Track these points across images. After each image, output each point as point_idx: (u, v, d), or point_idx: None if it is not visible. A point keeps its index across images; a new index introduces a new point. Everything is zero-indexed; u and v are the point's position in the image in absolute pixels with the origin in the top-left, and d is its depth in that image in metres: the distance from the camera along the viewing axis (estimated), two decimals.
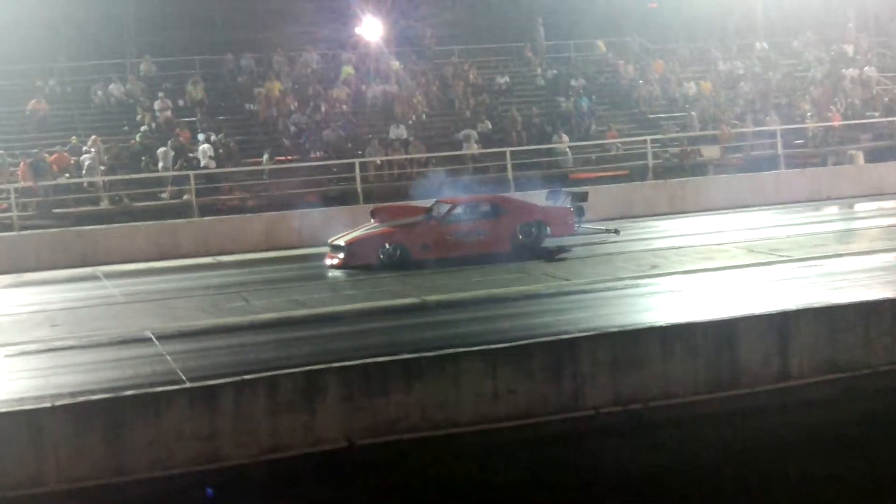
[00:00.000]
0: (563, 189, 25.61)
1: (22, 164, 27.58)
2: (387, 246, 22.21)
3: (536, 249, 22.85)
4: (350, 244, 22.27)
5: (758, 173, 31.83)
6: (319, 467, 11.71)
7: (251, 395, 11.96)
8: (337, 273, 21.94)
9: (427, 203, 24.15)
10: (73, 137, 29.31)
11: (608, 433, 12.56)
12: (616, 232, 24.29)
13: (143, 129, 30.38)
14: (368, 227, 22.98)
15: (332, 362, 12.68)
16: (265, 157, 29.77)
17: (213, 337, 16.08)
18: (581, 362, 13.17)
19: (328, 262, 22.48)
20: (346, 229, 23.28)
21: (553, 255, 22.58)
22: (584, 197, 24.61)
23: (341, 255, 22.27)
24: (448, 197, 24.07)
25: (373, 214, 23.56)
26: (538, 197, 25.37)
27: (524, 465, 11.62)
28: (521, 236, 22.96)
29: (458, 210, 22.92)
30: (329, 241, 22.87)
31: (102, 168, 28.53)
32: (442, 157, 30.98)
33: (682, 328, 13.98)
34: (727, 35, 40.83)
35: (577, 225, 23.85)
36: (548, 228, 23.25)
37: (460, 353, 13.00)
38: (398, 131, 31.67)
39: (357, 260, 22.08)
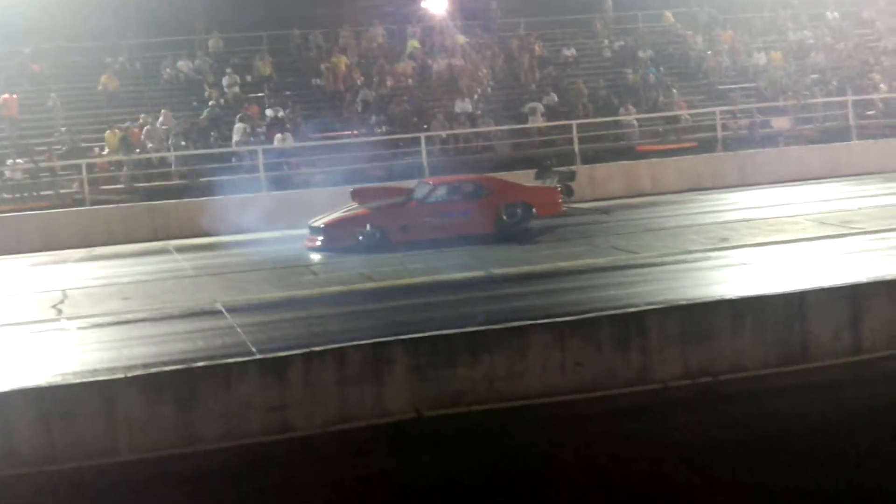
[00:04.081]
0: (553, 168, 25.23)
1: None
2: (366, 228, 21.61)
3: (522, 230, 22.26)
4: (328, 226, 21.72)
5: (829, 144, 31.35)
6: (387, 438, 11.77)
7: (320, 367, 12.06)
8: (405, 247, 21.55)
9: (409, 184, 23.78)
10: (141, 115, 29.54)
11: (677, 406, 12.47)
12: (607, 212, 24.00)
13: (210, 104, 30.61)
14: (348, 209, 22.38)
15: (400, 335, 12.73)
16: None
17: (282, 309, 16.22)
18: (649, 335, 13.09)
19: (307, 244, 21.91)
20: None
21: (535, 237, 22.05)
22: (572, 176, 24.40)
23: (320, 238, 21.72)
24: (432, 178, 23.52)
25: (353, 196, 22.84)
26: (527, 177, 25.00)
27: (592, 437, 11.59)
28: (505, 217, 22.19)
29: (440, 191, 22.37)
30: (309, 222, 22.27)
31: (170, 143, 28.83)
32: (507, 130, 30.86)
33: (753, 301, 13.84)
34: (796, 4, 40.15)
35: (564, 205, 23.55)
36: (534, 209, 22.62)
37: (527, 326, 12.97)
38: (463, 105, 31.58)
39: (336, 242, 21.48)
